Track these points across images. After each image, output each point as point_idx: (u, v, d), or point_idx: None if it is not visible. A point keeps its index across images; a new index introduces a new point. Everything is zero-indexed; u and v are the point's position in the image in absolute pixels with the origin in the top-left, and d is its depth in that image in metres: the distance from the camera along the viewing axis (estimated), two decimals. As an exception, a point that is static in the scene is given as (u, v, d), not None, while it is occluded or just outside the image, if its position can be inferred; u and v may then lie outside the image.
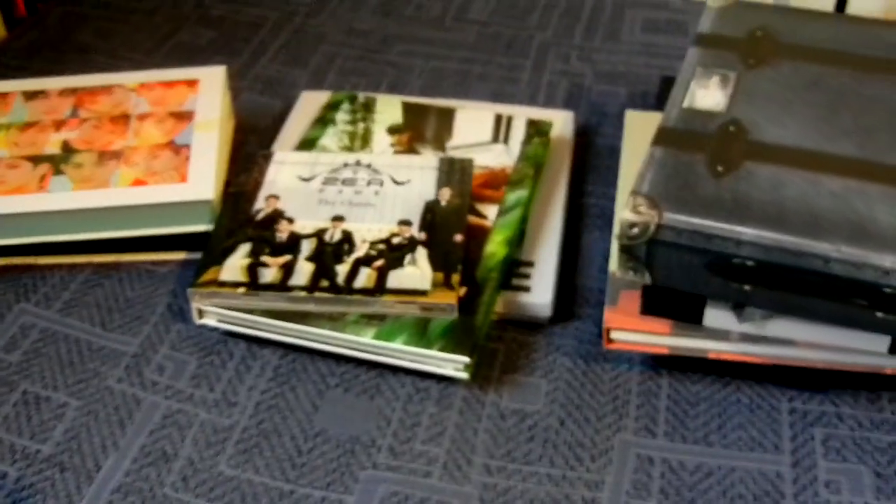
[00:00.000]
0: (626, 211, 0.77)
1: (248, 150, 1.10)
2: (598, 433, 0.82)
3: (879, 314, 0.76)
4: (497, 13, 1.33)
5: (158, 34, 1.31)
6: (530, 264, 0.92)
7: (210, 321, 0.89)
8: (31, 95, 1.08)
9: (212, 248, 0.90)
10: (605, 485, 0.78)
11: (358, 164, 0.97)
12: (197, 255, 0.98)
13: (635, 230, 0.77)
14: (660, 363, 0.87)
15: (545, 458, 0.80)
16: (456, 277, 0.86)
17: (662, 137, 0.83)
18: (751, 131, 0.83)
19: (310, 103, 1.12)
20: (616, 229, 0.89)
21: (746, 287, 0.77)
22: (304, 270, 0.87)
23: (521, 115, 1.07)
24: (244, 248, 0.90)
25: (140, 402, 0.85)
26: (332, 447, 0.81)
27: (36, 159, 0.99)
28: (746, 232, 0.75)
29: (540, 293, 0.89)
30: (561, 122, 1.08)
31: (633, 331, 0.83)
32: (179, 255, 0.98)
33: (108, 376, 0.87)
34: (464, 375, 0.83)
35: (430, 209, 0.92)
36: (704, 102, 0.87)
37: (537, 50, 1.26)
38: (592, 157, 1.08)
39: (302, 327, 0.85)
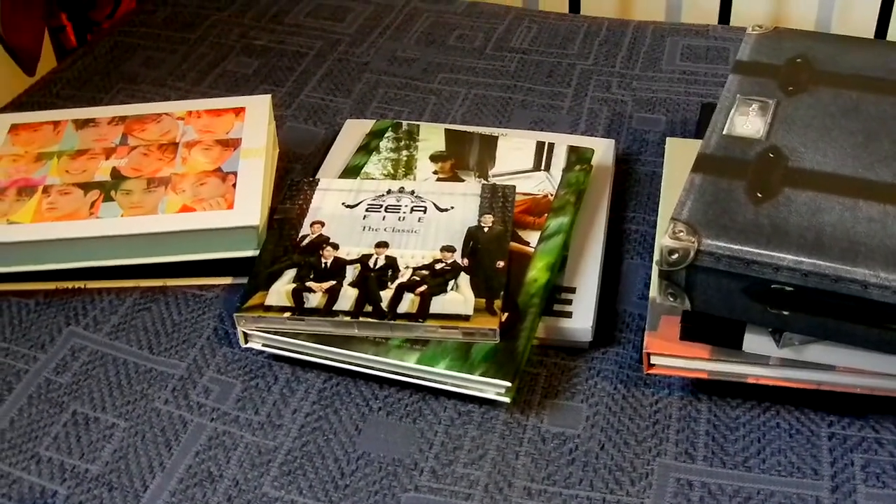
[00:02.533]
0: (665, 237, 0.78)
1: (293, 178, 1.11)
2: (637, 457, 0.82)
3: (918, 340, 0.76)
4: (537, 42, 1.35)
5: (204, 63, 1.33)
6: (571, 290, 0.93)
7: (255, 345, 0.90)
8: (81, 124, 1.10)
9: (257, 274, 0.92)
10: (645, 508, 0.79)
11: (401, 190, 0.99)
12: (242, 280, 0.99)
13: (675, 256, 0.78)
14: (699, 388, 0.88)
15: (585, 482, 0.81)
16: (498, 303, 0.87)
17: (702, 164, 0.84)
18: (790, 158, 0.84)
19: (354, 131, 1.14)
20: (656, 255, 0.90)
21: (785, 312, 0.78)
22: (348, 296, 0.89)
23: (563, 142, 1.08)
24: (289, 274, 0.91)
25: (186, 423, 0.86)
26: (374, 469, 0.82)
27: (86, 186, 1.01)
28: (785, 258, 0.75)
29: (581, 318, 0.90)
30: (602, 150, 1.09)
31: (673, 356, 0.84)
32: (225, 280, 1.00)
33: (155, 398, 0.89)
34: (506, 399, 0.84)
35: (473, 235, 0.93)
36: (744, 129, 0.88)
37: (578, 78, 1.27)
38: (633, 184, 1.09)
39: (346, 351, 0.87)
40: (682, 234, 0.78)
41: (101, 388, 0.90)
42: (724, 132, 0.88)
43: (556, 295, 0.92)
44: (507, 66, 1.30)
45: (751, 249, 0.76)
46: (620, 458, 0.82)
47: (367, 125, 1.14)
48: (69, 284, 1.00)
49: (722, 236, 0.77)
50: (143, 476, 0.82)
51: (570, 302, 0.92)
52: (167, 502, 0.80)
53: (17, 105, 1.28)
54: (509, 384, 0.83)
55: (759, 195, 0.80)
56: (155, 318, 0.96)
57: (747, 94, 0.92)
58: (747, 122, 0.89)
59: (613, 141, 1.11)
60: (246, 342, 0.90)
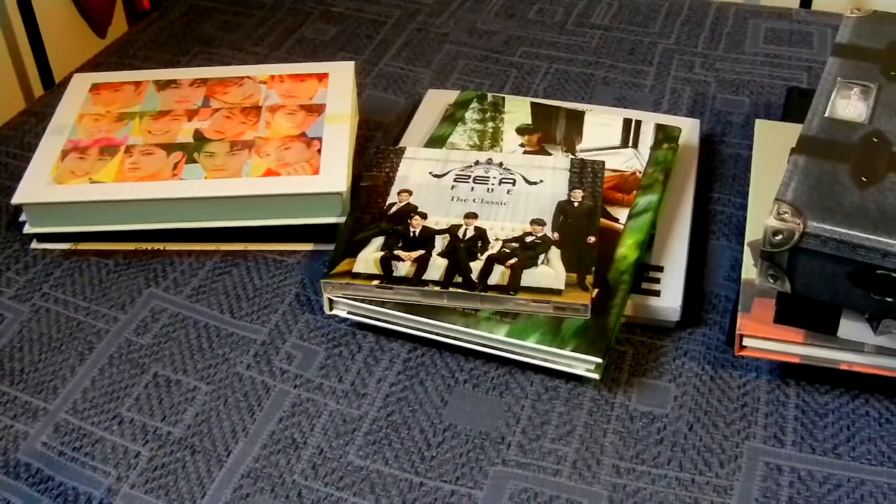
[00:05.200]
0: (770, 218, 0.76)
1: (375, 146, 1.11)
2: (726, 439, 0.81)
3: None
4: (618, 18, 1.33)
5: (281, 29, 1.33)
6: (659, 269, 0.91)
7: (341, 312, 0.90)
8: (163, 85, 1.10)
9: (344, 241, 0.91)
10: (733, 491, 0.78)
11: (489, 162, 0.98)
12: (324, 247, 0.99)
13: (780, 237, 0.76)
14: (787, 373, 0.86)
15: (674, 462, 0.80)
16: (590, 278, 0.86)
17: (805, 146, 0.83)
18: (894, 143, 0.83)
19: (436, 101, 1.13)
20: (749, 237, 0.89)
21: (889, 299, 0.76)
22: (437, 266, 0.88)
23: (650, 120, 1.06)
24: (377, 242, 0.90)
25: (269, 389, 0.86)
26: (461, 442, 0.81)
27: (169, 147, 1.01)
28: (894, 244, 0.74)
29: (670, 297, 0.89)
30: (688, 129, 1.08)
31: (765, 338, 0.83)
32: (306, 246, 0.99)
33: (237, 363, 0.88)
34: (595, 376, 0.83)
35: (563, 210, 0.92)
36: (846, 113, 0.86)
37: (660, 57, 1.25)
38: (718, 165, 1.08)
39: (434, 322, 0.86)
40: (787, 215, 0.76)
41: (182, 350, 0.89)
42: (825, 115, 0.86)
43: (643, 273, 0.91)
44: (588, 41, 1.29)
45: (859, 234, 0.75)
46: (709, 439, 0.81)
47: (449, 96, 1.13)
48: (148, 246, 0.99)
49: (828, 219, 0.76)
50: (225, 440, 0.82)
51: (657, 280, 0.91)
52: (251, 468, 0.80)
53: (93, 66, 1.28)
54: (600, 360, 0.82)
55: (864, 179, 0.79)
56: (236, 282, 0.96)
57: (848, 77, 0.90)
58: (849, 106, 0.87)
59: (698, 121, 1.10)
60: (331, 309, 0.90)
